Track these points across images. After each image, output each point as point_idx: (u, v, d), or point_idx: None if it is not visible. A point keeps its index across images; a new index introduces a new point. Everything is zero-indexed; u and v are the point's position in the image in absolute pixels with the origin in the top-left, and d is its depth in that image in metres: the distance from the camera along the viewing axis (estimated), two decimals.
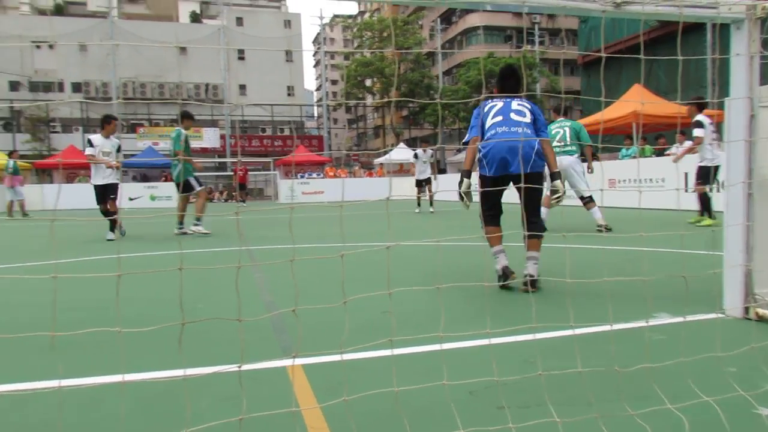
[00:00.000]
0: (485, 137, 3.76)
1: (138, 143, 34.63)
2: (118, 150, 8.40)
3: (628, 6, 2.49)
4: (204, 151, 37.61)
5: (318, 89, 78.43)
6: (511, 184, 3.70)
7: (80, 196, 15.92)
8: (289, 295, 3.83)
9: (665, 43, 20.82)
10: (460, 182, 3.76)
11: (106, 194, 8.25)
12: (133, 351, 2.56)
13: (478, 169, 3.84)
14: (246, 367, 2.23)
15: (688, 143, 12.31)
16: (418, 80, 44.00)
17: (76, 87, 40.96)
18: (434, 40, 49.04)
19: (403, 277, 4.44)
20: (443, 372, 1.87)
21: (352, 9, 57.20)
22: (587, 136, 7.64)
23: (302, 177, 29.92)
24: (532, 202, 3.65)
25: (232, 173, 28.24)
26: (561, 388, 2.01)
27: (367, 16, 51.71)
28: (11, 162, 15.43)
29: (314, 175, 29.45)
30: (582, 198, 7.51)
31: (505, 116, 3.73)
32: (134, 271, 2.97)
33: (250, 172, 30.13)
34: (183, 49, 39.43)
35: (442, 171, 35.27)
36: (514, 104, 3.79)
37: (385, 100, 39.85)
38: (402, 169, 32.88)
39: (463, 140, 3.99)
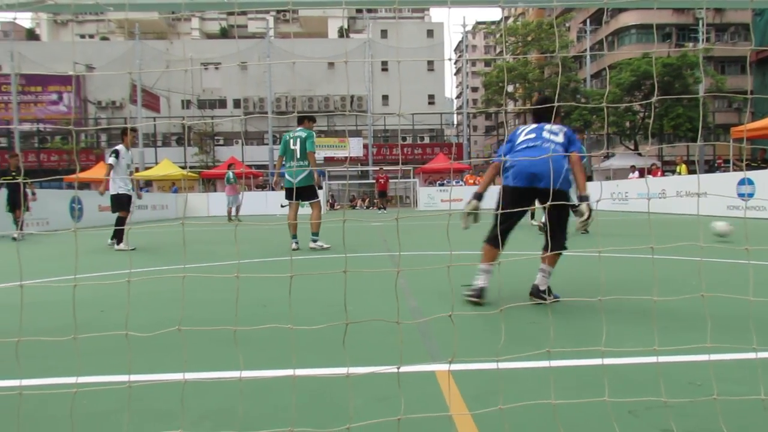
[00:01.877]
0: (515, 151, 3.74)
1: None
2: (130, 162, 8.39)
3: None
4: (350, 161, 39.44)
5: (458, 97, 78.50)
6: (537, 201, 3.65)
7: (247, 203, 17.65)
8: (432, 301, 3.88)
9: None
10: (469, 201, 3.74)
11: (124, 204, 8.16)
12: (300, 347, 2.76)
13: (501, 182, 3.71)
14: (403, 369, 2.30)
15: None
16: (564, 84, 42.21)
17: (237, 103, 45.18)
18: (582, 42, 46.81)
19: (558, 287, 4.28)
20: (603, 387, 1.78)
21: (496, 15, 56.55)
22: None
23: (441, 184, 30.10)
24: (558, 219, 3.62)
25: (374, 181, 29.21)
26: (736, 415, 1.82)
27: (511, 21, 50.81)
28: (230, 173, 17.42)
29: (453, 183, 29.45)
30: None
31: (537, 134, 3.71)
32: (303, 272, 3.19)
33: (390, 180, 30.97)
34: (331, 64, 41.69)
35: (589, 179, 33.44)
36: (548, 126, 3.75)
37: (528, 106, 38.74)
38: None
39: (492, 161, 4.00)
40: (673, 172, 24.37)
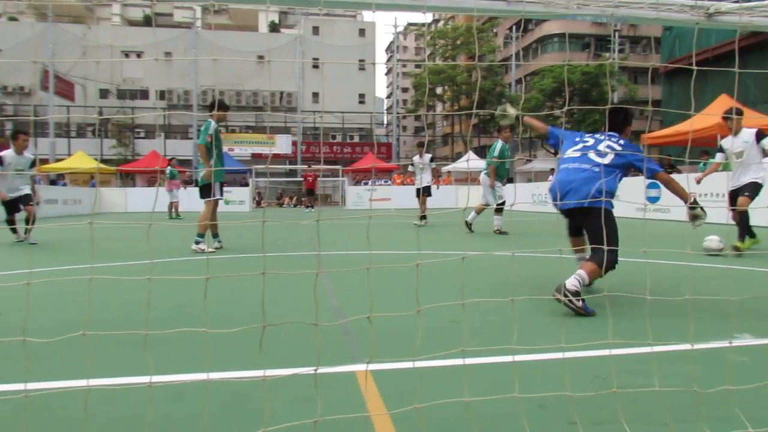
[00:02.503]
0: (560, 166, 3.92)
1: None
2: (32, 165, 8.20)
3: (721, 16, 2.38)
4: (276, 157, 38.84)
5: (389, 97, 79.13)
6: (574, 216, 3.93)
7: (163, 199, 16.94)
8: (356, 301, 3.89)
9: (757, 52, 19.60)
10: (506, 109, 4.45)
11: (14, 208, 8.13)
12: (216, 350, 2.69)
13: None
14: (321, 370, 2.30)
15: None
16: (490, 88, 43.52)
17: (161, 94, 43.38)
18: (508, 47, 48.41)
19: (475, 287, 4.41)
20: (514, 384, 1.86)
21: (427, 17, 57.51)
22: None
23: (366, 184, 30.25)
24: (592, 233, 3.72)
25: (302, 179, 28.96)
26: (636, 406, 1.96)
27: (441, 24, 51.75)
28: (169, 168, 16.78)
29: (382, 182, 29.69)
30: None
31: (583, 154, 3.82)
32: (220, 275, 3.12)
33: (318, 179, 30.79)
34: (261, 58, 40.91)
35: (511, 180, 34.65)
36: (602, 146, 3.84)
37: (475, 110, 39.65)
38: (470, 177, 32.61)
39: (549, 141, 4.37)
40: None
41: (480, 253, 3.98)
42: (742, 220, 6.48)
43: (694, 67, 1.96)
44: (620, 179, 3.77)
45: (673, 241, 7.22)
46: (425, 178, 11.67)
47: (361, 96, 46.77)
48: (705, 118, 13.99)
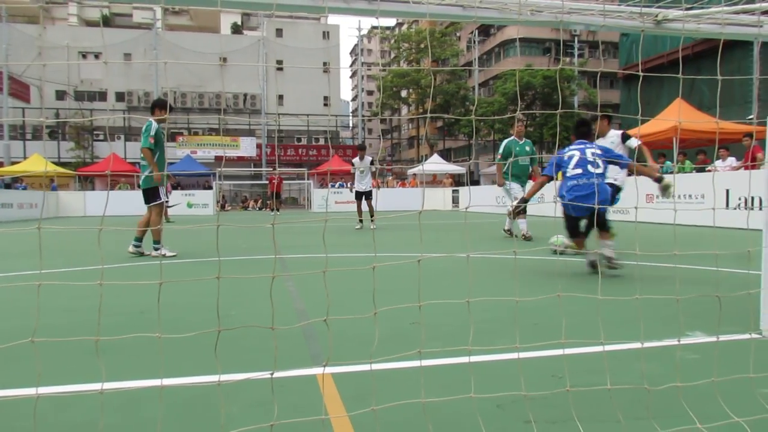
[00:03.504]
0: (567, 184, 4.85)
1: (177, 152, 35.49)
2: None
3: (669, 24, 2.47)
4: (240, 160, 38.34)
5: (354, 99, 79.15)
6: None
7: (122, 203, 16.48)
8: (320, 304, 3.89)
9: (710, 57, 20.31)
10: (518, 205, 5.26)
11: None
12: (171, 356, 2.65)
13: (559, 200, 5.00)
14: (278, 374, 2.29)
15: (731, 159, 11.89)
16: (454, 91, 43.98)
17: (120, 96, 42.36)
18: (471, 51, 49.00)
19: (433, 289, 4.45)
20: (471, 384, 1.89)
21: (390, 21, 57.83)
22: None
23: (333, 187, 30.14)
24: (601, 219, 4.89)
25: (267, 182, 28.67)
26: (589, 404, 2.01)
27: (404, 27, 52.06)
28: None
29: (348, 185, 29.66)
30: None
31: (584, 169, 4.81)
32: (174, 279, 3.07)
33: (284, 182, 30.54)
34: (223, 60, 40.36)
35: (476, 182, 35.05)
36: (589, 154, 4.86)
37: (435, 113, 39.91)
38: (435, 180, 32.86)
39: (543, 172, 5.26)
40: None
41: (439, 255, 4.02)
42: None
43: (641, 73, 2.04)
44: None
45: (628, 242, 7.42)
46: (367, 182, 11.53)
47: (326, 98, 46.61)
48: (661, 122, 14.45)
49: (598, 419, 1.89)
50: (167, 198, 6.88)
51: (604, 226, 4.88)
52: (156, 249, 6.83)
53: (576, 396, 1.96)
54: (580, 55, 43.06)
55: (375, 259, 4.60)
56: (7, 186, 24.62)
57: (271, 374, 1.70)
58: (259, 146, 39.77)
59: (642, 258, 5.79)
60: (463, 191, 24.66)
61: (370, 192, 11.47)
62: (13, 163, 31.43)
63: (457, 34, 52.05)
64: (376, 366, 2.37)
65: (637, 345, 2.57)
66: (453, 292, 4.29)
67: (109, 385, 2.16)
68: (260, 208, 32.33)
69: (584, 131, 5.24)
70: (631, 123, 24.39)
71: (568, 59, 42.59)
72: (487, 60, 51.01)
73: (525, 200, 5.14)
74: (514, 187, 8.61)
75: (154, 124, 6.77)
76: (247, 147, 38.66)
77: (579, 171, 4.81)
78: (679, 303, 3.29)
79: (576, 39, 41.36)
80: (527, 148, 8.73)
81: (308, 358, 2.63)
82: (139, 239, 6.87)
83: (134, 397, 2.13)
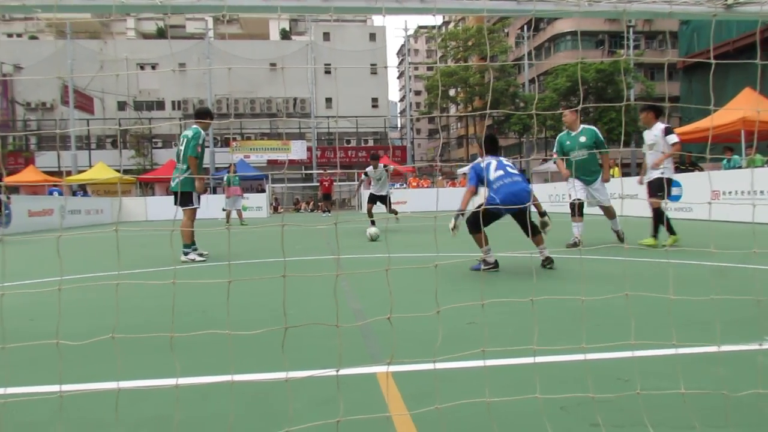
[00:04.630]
0: (494, 186, 5.11)
1: (231, 156, 36.45)
2: None
3: (742, 7, 2.33)
4: (292, 163, 39.03)
5: (402, 100, 79.22)
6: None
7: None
8: (376, 303, 3.90)
9: None
10: (455, 221, 5.18)
11: None
12: (238, 352, 2.72)
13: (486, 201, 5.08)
14: (342, 372, 2.31)
15: None
16: (503, 89, 43.33)
17: (176, 105, 43.92)
18: (520, 47, 48.20)
19: (492, 288, 4.39)
20: (535, 385, 1.85)
21: (437, 20, 57.47)
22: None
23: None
24: (523, 222, 5.07)
25: (318, 184, 29.06)
26: (661, 409, 1.93)
27: (451, 26, 51.72)
28: (226, 175, 16.54)
29: (397, 186, 29.67)
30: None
31: (506, 171, 5.19)
32: (243, 278, 3.15)
33: (334, 183, 30.86)
34: (273, 66, 41.17)
35: (528, 181, 34.35)
36: (504, 161, 5.31)
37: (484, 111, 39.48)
38: None
39: (467, 187, 5.40)
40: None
41: (499, 255, 3.96)
42: (653, 216, 6.84)
43: (713, 61, 1.93)
44: None
45: (696, 241, 7.11)
46: (384, 188, 11.48)
47: (374, 100, 46.85)
48: (727, 114, 13.59)
49: (671, 425, 1.81)
50: (198, 204, 7.04)
51: (535, 230, 5.13)
52: (185, 254, 6.85)
53: (646, 400, 1.89)
54: (636, 47, 41.55)
55: (436, 258, 4.62)
56: (74, 193, 25.92)
57: (337, 371, 1.71)
58: (309, 149, 40.39)
59: (716, 257, 5.44)
60: None
61: (386, 197, 11.47)
62: (80, 172, 33.09)
63: (506, 31, 51.27)
64: (438, 365, 2.35)
65: (713, 348, 2.43)
66: (514, 292, 4.22)
67: (183, 380, 2.24)
68: (311, 210, 32.81)
69: (493, 147, 5.59)
70: (693, 115, 23.36)
71: (622, 51, 41.24)
72: (537, 55, 50.02)
73: (460, 213, 5.17)
74: (576, 184, 7.31)
75: (202, 133, 6.83)
76: (297, 150, 39.31)
77: (501, 173, 5.16)
78: (760, 305, 3.12)
79: (631, 30, 39.93)
80: (582, 139, 7.27)
81: (367, 357, 2.64)
82: (188, 245, 6.91)
83: (206, 392, 2.20)
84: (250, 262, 6.68)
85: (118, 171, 33.80)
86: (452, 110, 52.86)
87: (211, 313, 3.70)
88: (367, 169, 11.54)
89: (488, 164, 5.26)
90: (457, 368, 2.39)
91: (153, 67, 42.35)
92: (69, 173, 32.88)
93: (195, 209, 6.91)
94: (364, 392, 2.18)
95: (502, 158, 5.41)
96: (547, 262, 5.25)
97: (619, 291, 3.74)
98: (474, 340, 2.87)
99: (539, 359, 2.37)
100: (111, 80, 40.85)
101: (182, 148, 6.78)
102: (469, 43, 45.01)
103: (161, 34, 50.22)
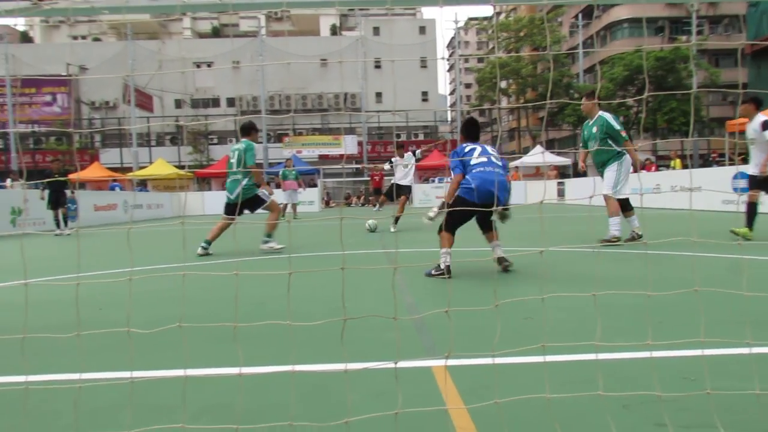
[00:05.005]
0: (473, 171, 4.77)
1: (284, 152, 37.13)
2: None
3: None
4: (343, 157, 39.42)
5: (452, 93, 78.52)
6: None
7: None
8: (428, 297, 3.90)
9: None
10: (439, 210, 5.09)
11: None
12: (298, 344, 2.78)
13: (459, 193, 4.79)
14: (400, 365, 2.32)
15: None
16: (557, 80, 42.29)
17: (230, 102, 45.09)
18: (575, 36, 46.89)
19: (547, 284, 4.31)
20: (597, 382, 1.81)
21: (488, 11, 56.61)
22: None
23: (433, 181, 30.09)
24: (486, 216, 4.87)
25: (369, 178, 29.23)
26: (732, 410, 1.84)
27: (502, 16, 50.85)
28: (284, 170, 17.06)
29: (448, 180, 29.49)
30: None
31: (488, 159, 4.85)
32: (302, 269, 3.21)
33: (385, 177, 30.95)
34: (324, 61, 41.61)
35: (584, 174, 33.48)
36: (488, 149, 4.98)
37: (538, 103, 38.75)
38: (538, 172, 31.83)
39: (453, 175, 4.95)
40: (668, 166, 24.42)
41: (558, 249, 3.88)
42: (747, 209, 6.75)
43: None
44: None
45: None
46: (409, 178, 10.97)
47: (424, 94, 46.65)
48: None
49: (744, 427, 1.72)
50: (269, 197, 7.43)
51: (491, 226, 4.93)
52: (265, 242, 7.32)
53: (716, 400, 1.81)
54: (699, 32, 39.62)
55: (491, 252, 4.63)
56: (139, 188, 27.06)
57: (395, 364, 1.73)
58: (360, 143, 40.65)
59: None
60: (570, 183, 23.68)
61: (410, 188, 11.20)
62: (141, 168, 34.49)
63: (559, 20, 49.98)
64: (495, 360, 2.33)
65: None
66: (576, 286, 4.13)
67: (246, 370, 2.30)
68: (362, 204, 33.04)
69: (474, 132, 5.22)
70: (763, 103, 22.12)
71: (684, 37, 39.48)
72: (591, 45, 48.53)
73: (444, 204, 5.07)
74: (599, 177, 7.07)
75: (255, 145, 7.36)
76: (348, 145, 39.65)
77: (484, 159, 4.84)
78: None
79: (694, 15, 38.14)
80: (594, 130, 6.86)
81: (422, 350, 2.65)
82: (269, 234, 7.38)
83: (267, 381, 2.26)
84: (305, 255, 6.79)
85: (178, 167, 35.05)
86: (504, 102, 51.98)
87: (269, 305, 3.78)
88: (392, 159, 11.23)
89: (472, 149, 4.93)
90: (515, 363, 2.36)
91: (208, 65, 43.60)
92: (130, 169, 34.31)
93: (273, 201, 7.48)
94: (421, 385, 2.18)
95: (487, 146, 5.04)
96: (502, 262, 4.75)
97: (685, 287, 3.60)
98: (531, 335, 2.82)
99: (601, 356, 2.31)
100: (169, 79, 42.33)
101: (234, 161, 7.27)
102: (521, 34, 44.12)
103: (216, 33, 51.61)
